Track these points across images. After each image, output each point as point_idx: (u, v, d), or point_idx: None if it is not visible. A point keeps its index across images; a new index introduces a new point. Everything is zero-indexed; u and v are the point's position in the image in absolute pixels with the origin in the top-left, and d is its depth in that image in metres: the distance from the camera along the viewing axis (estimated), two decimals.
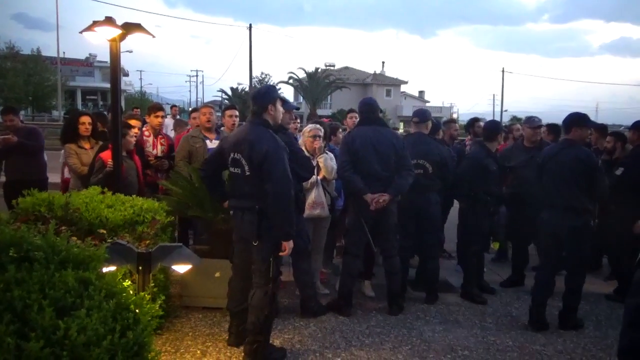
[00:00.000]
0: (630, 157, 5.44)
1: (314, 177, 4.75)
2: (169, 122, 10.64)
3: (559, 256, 4.58)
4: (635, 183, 5.07)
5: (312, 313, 4.55)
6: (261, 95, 3.69)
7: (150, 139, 5.89)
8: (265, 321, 3.56)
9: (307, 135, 4.94)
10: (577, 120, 4.52)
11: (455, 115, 52.71)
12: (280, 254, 3.61)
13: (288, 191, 3.50)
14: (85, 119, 5.40)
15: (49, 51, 40.78)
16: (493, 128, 5.36)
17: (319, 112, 40.34)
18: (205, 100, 57.83)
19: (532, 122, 5.71)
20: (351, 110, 6.94)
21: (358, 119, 5.27)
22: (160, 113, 6.04)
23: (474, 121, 7.04)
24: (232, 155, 3.61)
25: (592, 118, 5.65)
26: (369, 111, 4.77)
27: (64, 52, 42.85)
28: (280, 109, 3.73)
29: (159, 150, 5.90)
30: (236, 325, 3.87)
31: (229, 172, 3.75)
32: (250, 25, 36.25)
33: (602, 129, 6.77)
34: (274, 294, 3.63)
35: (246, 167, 3.52)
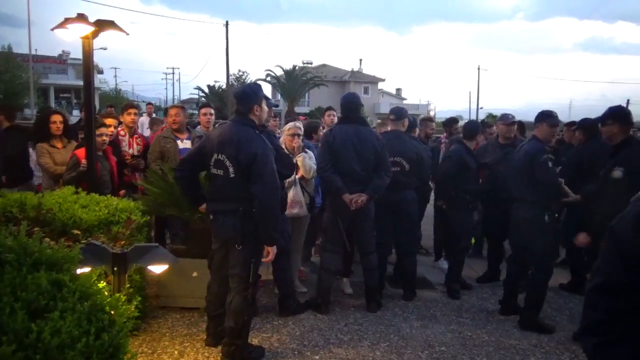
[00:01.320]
0: (575, 154, 5.50)
1: (293, 175, 4.74)
2: (144, 120, 10.53)
3: (518, 247, 4.75)
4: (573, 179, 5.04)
5: (290, 311, 4.55)
6: (247, 96, 3.55)
7: (126, 138, 5.82)
8: (243, 325, 3.53)
9: (286, 134, 4.93)
10: (540, 116, 4.67)
11: (432, 113, 53.02)
12: (263, 260, 3.54)
13: (276, 194, 3.44)
14: (57, 118, 5.29)
15: (21, 48, 40.02)
16: (473, 128, 5.50)
17: (297, 109, 40.31)
18: (182, 98, 57.28)
19: (505, 119, 5.83)
20: (329, 108, 6.94)
21: (339, 116, 5.26)
22: (132, 110, 5.97)
23: (452, 122, 7.12)
24: (215, 156, 3.50)
25: (566, 115, 5.79)
26: (351, 109, 4.74)
27: (36, 49, 42.02)
28: (265, 108, 3.64)
29: (135, 149, 5.83)
30: (214, 326, 3.84)
31: (208, 174, 3.63)
32: (227, 22, 36.03)
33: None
34: (253, 299, 3.58)
35: (230, 169, 3.42)
